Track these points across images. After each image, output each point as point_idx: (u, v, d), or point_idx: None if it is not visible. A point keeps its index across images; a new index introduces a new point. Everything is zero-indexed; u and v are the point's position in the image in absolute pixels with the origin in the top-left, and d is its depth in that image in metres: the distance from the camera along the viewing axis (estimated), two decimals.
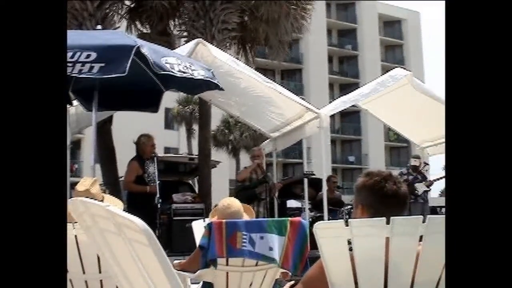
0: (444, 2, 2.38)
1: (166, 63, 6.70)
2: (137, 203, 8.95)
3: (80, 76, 6.13)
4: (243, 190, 10.32)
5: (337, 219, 8.44)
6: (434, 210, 16.88)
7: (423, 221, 2.64)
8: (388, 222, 2.63)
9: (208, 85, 7.50)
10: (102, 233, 2.40)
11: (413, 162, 12.96)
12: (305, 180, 10.71)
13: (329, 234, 2.79)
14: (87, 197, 3.37)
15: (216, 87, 7.55)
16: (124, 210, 4.08)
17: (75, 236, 4.00)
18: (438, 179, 13.87)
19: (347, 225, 2.68)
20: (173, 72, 6.67)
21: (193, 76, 6.90)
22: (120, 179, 13.31)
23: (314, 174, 10.91)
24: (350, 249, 2.70)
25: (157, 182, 8.91)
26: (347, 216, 11.94)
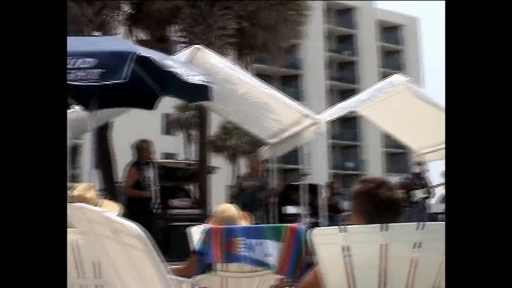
0: (444, 6, 2.38)
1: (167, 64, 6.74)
2: (135, 208, 9.05)
3: (80, 84, 6.14)
4: (243, 196, 10.31)
5: (335, 226, 8.45)
6: (432, 217, 16.87)
7: (419, 228, 2.65)
8: (383, 229, 2.64)
9: (204, 93, 7.47)
10: (99, 238, 2.40)
11: (416, 169, 12.95)
12: (303, 186, 10.69)
13: (325, 241, 2.80)
14: (81, 202, 3.38)
15: (210, 96, 7.52)
16: (123, 215, 4.09)
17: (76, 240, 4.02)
18: (436, 186, 13.89)
19: (342, 232, 2.69)
20: (175, 71, 6.68)
21: (191, 80, 6.90)
22: (117, 184, 13.35)
23: (310, 174, 10.88)
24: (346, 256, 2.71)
25: (153, 187, 8.94)
26: (345, 223, 11.93)
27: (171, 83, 7.28)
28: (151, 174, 9.31)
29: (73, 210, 2.63)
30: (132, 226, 2.01)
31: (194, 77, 6.98)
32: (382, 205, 2.88)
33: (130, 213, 9.51)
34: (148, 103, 8.78)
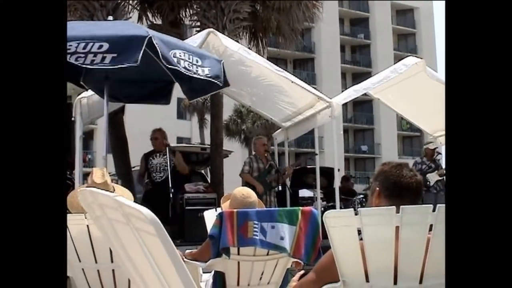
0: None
1: (173, 57, 6.65)
2: (153, 193, 9.95)
3: (92, 67, 6.17)
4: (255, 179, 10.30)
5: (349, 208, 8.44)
6: None
7: (433, 210, 2.63)
8: (398, 211, 2.62)
9: (210, 86, 7.36)
10: (111, 223, 2.40)
11: (431, 146, 12.79)
12: (317, 169, 10.69)
13: (339, 223, 2.79)
14: (103, 189, 3.38)
15: (218, 87, 7.44)
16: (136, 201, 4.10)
17: (87, 226, 4.04)
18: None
19: (356, 214, 2.68)
20: (177, 67, 6.63)
21: (195, 75, 6.84)
22: (133, 169, 13.39)
23: (317, 154, 10.91)
24: (361, 238, 2.70)
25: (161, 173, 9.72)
26: (359, 206, 11.95)
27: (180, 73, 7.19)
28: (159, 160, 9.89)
29: (84, 194, 2.63)
30: (144, 211, 2.00)
31: (200, 69, 6.89)
32: (405, 186, 2.88)
33: (148, 198, 9.91)
34: (164, 96, 8.77)
